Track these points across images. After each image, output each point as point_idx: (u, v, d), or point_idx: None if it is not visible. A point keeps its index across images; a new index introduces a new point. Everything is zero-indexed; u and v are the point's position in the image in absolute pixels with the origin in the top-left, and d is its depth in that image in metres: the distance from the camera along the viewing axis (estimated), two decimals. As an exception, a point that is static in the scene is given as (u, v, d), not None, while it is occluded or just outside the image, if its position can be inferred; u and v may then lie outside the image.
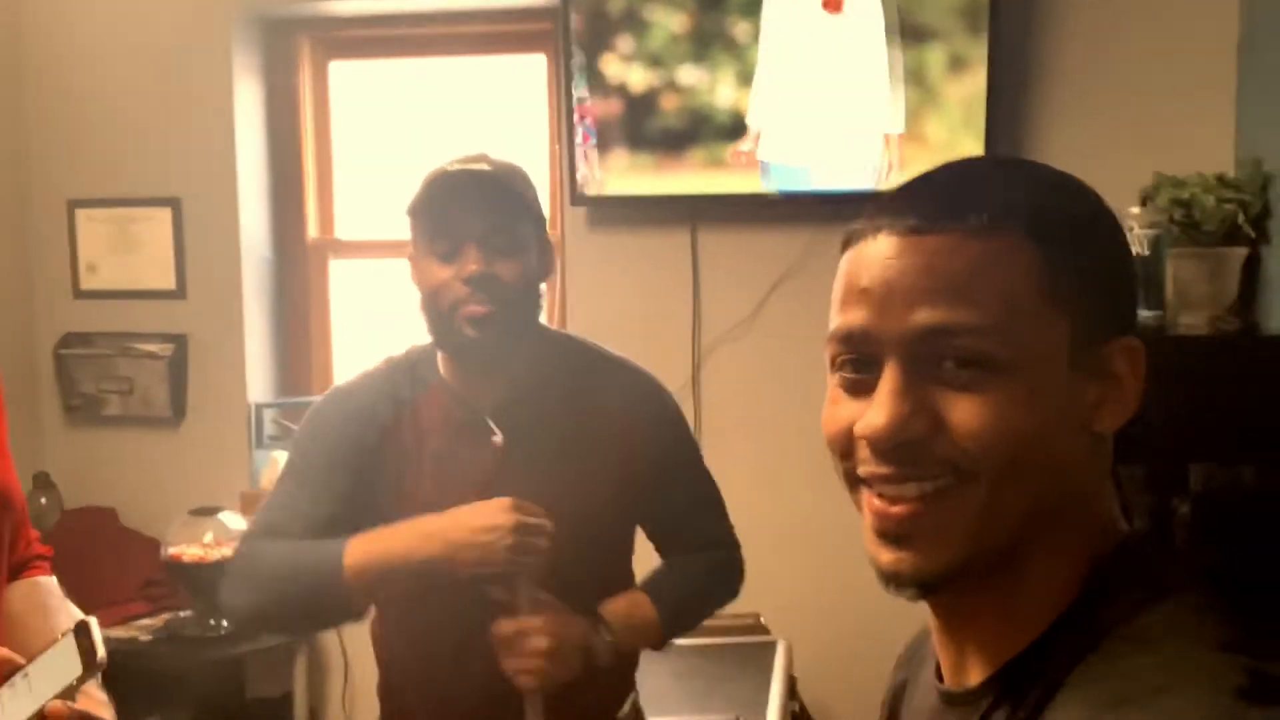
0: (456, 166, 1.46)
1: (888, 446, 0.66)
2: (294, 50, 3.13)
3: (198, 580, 2.72)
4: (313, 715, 2.90)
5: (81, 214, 3.07)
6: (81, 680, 0.99)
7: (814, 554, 2.75)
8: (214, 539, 2.74)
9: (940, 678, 0.74)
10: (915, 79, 2.50)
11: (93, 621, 1.01)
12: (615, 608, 1.47)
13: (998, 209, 0.67)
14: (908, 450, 0.66)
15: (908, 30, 2.49)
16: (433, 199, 1.45)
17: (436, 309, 1.46)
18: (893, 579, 0.68)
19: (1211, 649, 0.62)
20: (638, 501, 1.54)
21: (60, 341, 3.09)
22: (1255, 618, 0.66)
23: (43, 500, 3.02)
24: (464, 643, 1.44)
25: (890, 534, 0.68)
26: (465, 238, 1.43)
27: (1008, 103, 2.55)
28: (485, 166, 1.47)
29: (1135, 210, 2.18)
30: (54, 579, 1.32)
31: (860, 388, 0.68)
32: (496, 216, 1.45)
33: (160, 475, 3.05)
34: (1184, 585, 0.68)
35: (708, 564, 1.60)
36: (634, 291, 2.81)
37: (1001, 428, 0.65)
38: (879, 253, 0.67)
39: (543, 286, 1.53)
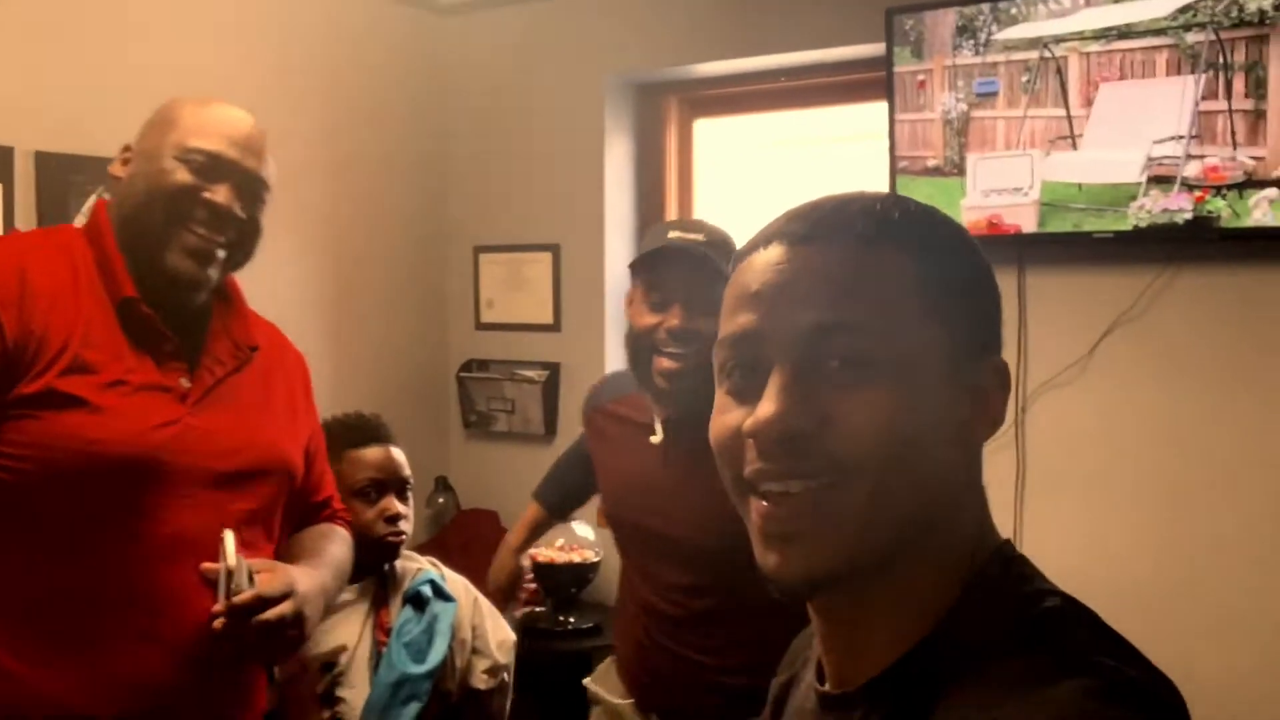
0: (675, 235, 1.73)
1: (774, 439, 0.67)
2: (662, 110, 3.47)
3: (550, 579, 3.07)
4: (642, 715, 3.14)
5: (484, 258, 3.60)
6: (230, 593, 1.38)
7: (1150, 623, 2.56)
8: (565, 544, 3.10)
9: (821, 680, 0.76)
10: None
11: (226, 535, 1.39)
12: None
13: (880, 225, 0.71)
14: (793, 445, 0.67)
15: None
16: (652, 261, 1.74)
17: (638, 347, 1.77)
18: (780, 582, 0.69)
19: (1077, 653, 0.64)
20: None
21: (463, 366, 3.64)
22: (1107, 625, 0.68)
23: (441, 500, 3.56)
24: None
25: (775, 534, 0.69)
26: (674, 297, 1.71)
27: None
28: (699, 237, 1.72)
29: None
30: (342, 530, 1.74)
31: (749, 394, 0.70)
32: (702, 283, 1.68)
33: (534, 484, 3.47)
34: (1051, 592, 0.70)
35: None
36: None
37: (884, 425, 0.66)
38: (769, 260, 0.71)
39: None
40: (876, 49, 2.81)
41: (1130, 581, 2.56)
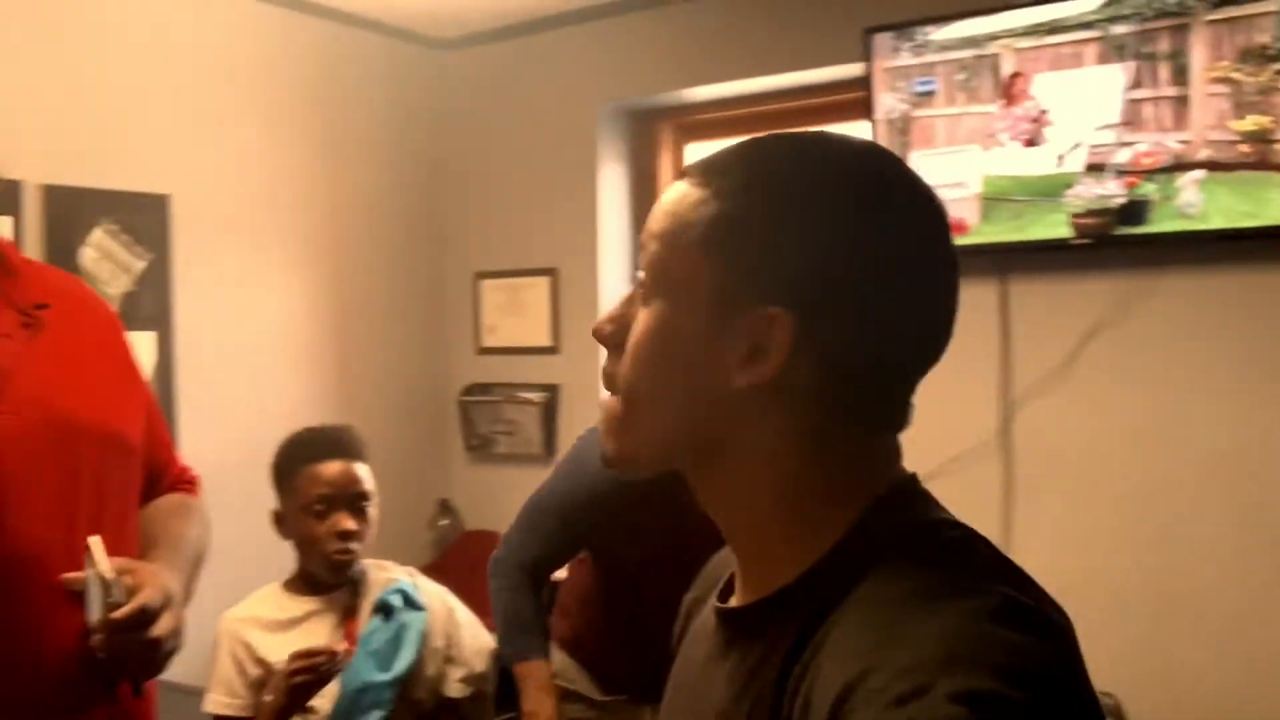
0: None
1: (599, 340, 0.78)
2: (655, 135, 3.55)
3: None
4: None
5: (485, 283, 3.68)
6: (108, 607, 1.19)
7: (1130, 622, 2.58)
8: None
9: (723, 599, 0.79)
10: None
11: (92, 541, 1.21)
12: None
13: (710, 162, 0.76)
14: (607, 349, 0.78)
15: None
16: None
17: None
18: (607, 459, 0.79)
19: (971, 577, 0.66)
20: None
21: (464, 390, 3.70)
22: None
23: (444, 522, 3.61)
24: None
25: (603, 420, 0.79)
26: None
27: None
28: None
29: None
30: (192, 498, 1.57)
31: None
32: None
33: (535, 506, 3.52)
34: (953, 523, 0.71)
35: None
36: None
37: (643, 345, 0.74)
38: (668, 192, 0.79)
39: None
40: (856, 69, 2.88)
41: (1115, 579, 2.58)
